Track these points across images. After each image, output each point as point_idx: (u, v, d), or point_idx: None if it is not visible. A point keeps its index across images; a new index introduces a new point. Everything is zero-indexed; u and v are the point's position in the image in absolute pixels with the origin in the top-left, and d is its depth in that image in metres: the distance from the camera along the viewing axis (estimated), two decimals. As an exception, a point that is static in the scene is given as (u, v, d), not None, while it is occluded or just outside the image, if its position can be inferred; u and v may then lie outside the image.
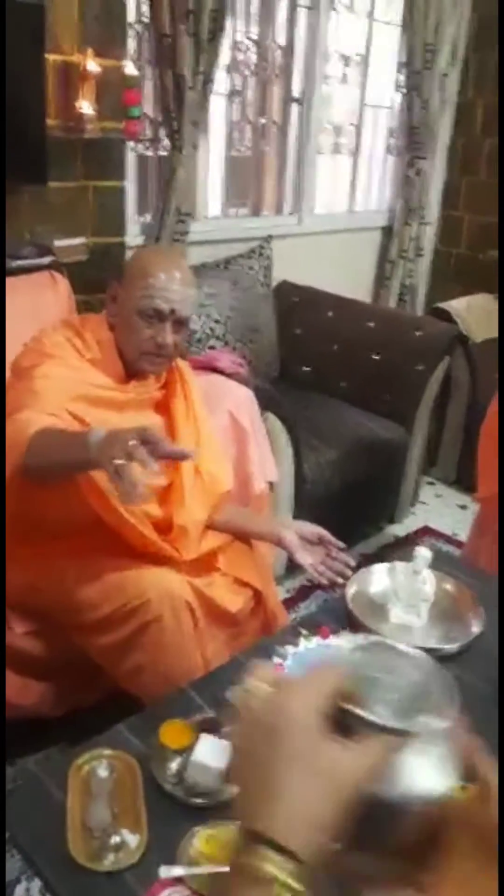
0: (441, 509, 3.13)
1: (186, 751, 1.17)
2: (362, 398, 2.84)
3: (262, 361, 2.89)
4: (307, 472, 2.38)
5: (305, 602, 2.43)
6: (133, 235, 2.71)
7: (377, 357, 2.85)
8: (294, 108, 3.27)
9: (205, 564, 1.65)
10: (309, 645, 1.40)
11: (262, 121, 3.22)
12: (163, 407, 1.66)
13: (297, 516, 2.39)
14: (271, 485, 2.19)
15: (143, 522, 1.52)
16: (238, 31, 3.01)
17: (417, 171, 3.58)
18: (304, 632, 1.42)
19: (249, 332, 2.81)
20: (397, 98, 3.60)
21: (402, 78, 3.48)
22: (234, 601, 1.66)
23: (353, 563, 1.62)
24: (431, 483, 3.32)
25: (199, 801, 1.13)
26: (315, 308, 3.05)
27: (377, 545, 2.79)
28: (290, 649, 1.37)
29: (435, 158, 3.77)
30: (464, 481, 3.23)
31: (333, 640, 1.41)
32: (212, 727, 1.21)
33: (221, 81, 3.02)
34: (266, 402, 2.19)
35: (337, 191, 3.65)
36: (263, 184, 3.41)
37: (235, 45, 3.00)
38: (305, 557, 1.60)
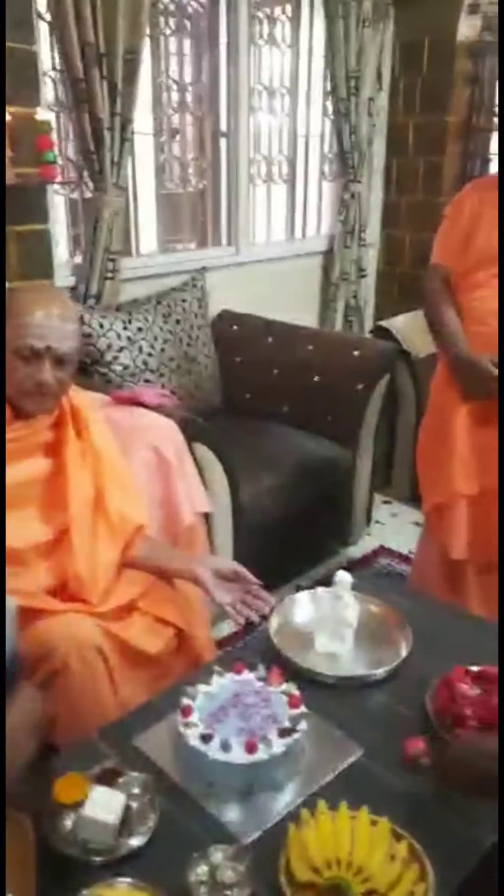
0: (397, 528, 3.09)
1: (81, 805, 1.11)
2: (305, 422, 2.81)
3: (201, 392, 2.86)
4: (244, 500, 2.33)
5: (252, 635, 2.36)
6: (63, 277, 2.70)
7: (317, 379, 2.83)
8: (223, 142, 3.29)
9: (124, 606, 1.59)
10: (222, 682, 1.34)
11: (190, 155, 3.24)
12: (53, 449, 1.61)
13: (237, 546, 2.34)
14: (207, 517, 2.14)
15: (36, 595, 1.49)
16: (160, 72, 3.03)
17: (353, 195, 3.61)
18: (217, 669, 1.37)
19: (186, 362, 2.78)
20: (327, 125, 3.64)
21: (330, 106, 3.52)
22: (154, 643, 1.60)
23: (271, 600, 1.57)
24: (388, 502, 3.28)
25: (95, 858, 1.07)
26: (254, 335, 3.03)
27: (331, 569, 2.74)
28: (201, 688, 1.32)
29: (371, 181, 3.81)
30: (418, 498, 3.16)
31: (246, 675, 1.36)
32: (109, 778, 1.15)
33: (146, 121, 3.04)
34: (197, 434, 2.15)
35: (275, 219, 3.66)
36: (198, 218, 3.42)
37: (157, 85, 3.02)
38: (221, 596, 1.55)
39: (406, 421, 3.17)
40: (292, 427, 2.80)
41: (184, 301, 2.83)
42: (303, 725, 1.24)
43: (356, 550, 2.91)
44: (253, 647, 1.59)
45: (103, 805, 1.08)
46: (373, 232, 3.89)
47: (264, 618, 1.56)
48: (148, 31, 2.66)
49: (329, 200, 3.80)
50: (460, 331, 1.99)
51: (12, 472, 1.49)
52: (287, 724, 1.24)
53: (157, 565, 1.66)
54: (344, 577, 1.52)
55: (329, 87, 3.46)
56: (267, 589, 2.52)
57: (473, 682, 1.34)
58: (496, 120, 3.59)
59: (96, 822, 1.06)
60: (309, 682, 1.41)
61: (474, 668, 1.38)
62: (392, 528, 3.08)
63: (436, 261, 2.11)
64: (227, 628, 2.42)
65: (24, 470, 1.53)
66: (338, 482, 2.74)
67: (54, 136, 2.50)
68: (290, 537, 2.54)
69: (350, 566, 2.78)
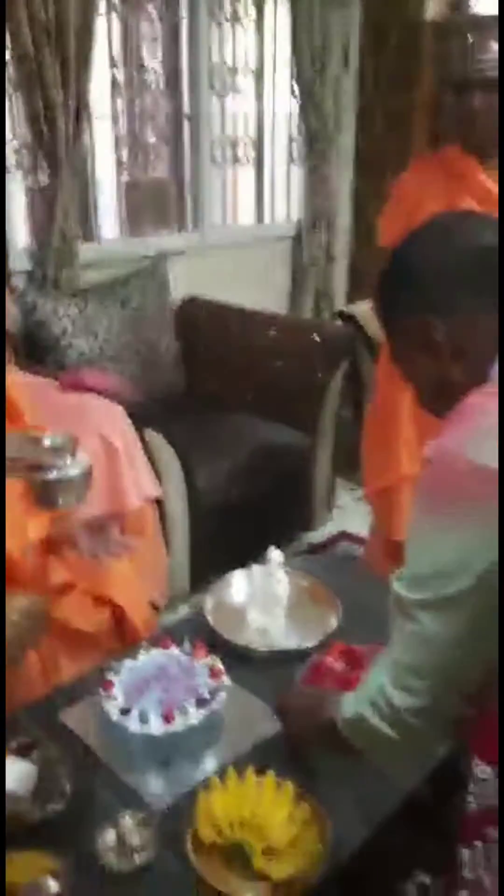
0: (360, 513, 3.09)
1: (-2, 777, 1.13)
2: (266, 409, 2.82)
3: (165, 380, 2.88)
4: (200, 485, 2.35)
5: (187, 615, 2.38)
6: (20, 262, 2.71)
7: (279, 364, 2.84)
8: (185, 124, 3.29)
9: (60, 586, 1.61)
10: (147, 657, 1.36)
11: (152, 139, 3.23)
12: None
13: (193, 531, 2.37)
14: (159, 502, 2.16)
15: None
16: (115, 50, 3.02)
17: (321, 179, 3.61)
18: (144, 644, 1.39)
19: (146, 349, 2.79)
20: (294, 106, 3.63)
21: (296, 86, 3.51)
22: (90, 622, 1.62)
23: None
24: (353, 488, 3.30)
25: (8, 826, 1.09)
26: (218, 322, 3.04)
27: (290, 554, 2.76)
28: (126, 663, 1.34)
29: (340, 164, 3.80)
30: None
31: (172, 650, 1.38)
32: (25, 749, 1.17)
33: (103, 101, 3.03)
34: (146, 419, 2.17)
35: (243, 203, 3.66)
36: (161, 201, 3.42)
37: (114, 64, 3.01)
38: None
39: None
40: (255, 415, 2.80)
41: (143, 287, 2.83)
42: (221, 696, 1.26)
43: (317, 535, 2.94)
44: (189, 625, 1.61)
45: (14, 776, 1.10)
46: (342, 215, 3.89)
47: None
48: (103, 7, 2.64)
49: (297, 183, 3.79)
50: None
51: None
52: (206, 694, 1.26)
53: None
54: (275, 554, 1.54)
55: (294, 67, 3.44)
56: (224, 572, 2.57)
57: (340, 657, 1.35)
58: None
59: (6, 792, 1.08)
60: (242, 658, 1.44)
61: (354, 647, 1.39)
62: (355, 514, 3.10)
63: (381, 242, 2.12)
64: (184, 610, 2.44)
65: None
66: (297, 468, 2.76)
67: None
68: (248, 522, 2.56)
69: (310, 550, 2.81)
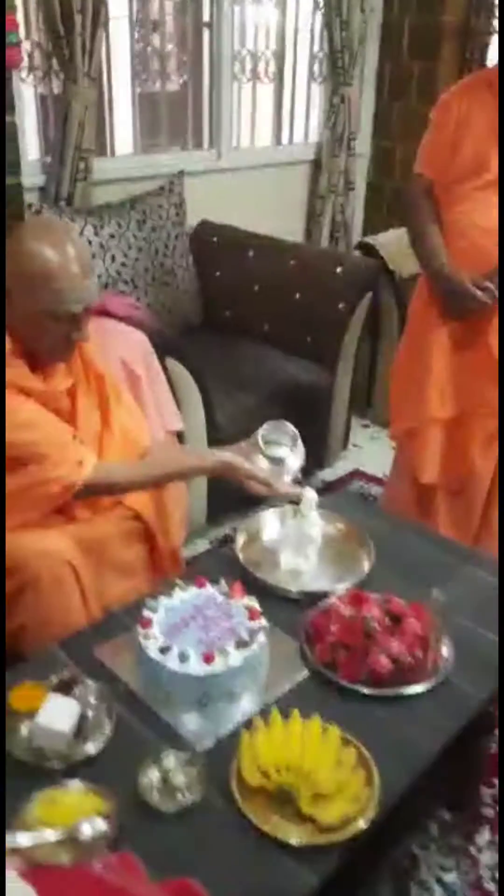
0: (374, 451, 3.07)
1: (36, 713, 1.11)
2: (285, 341, 2.74)
3: (180, 307, 2.78)
4: (220, 419, 2.29)
5: (217, 553, 2.37)
6: (32, 175, 2.57)
7: (298, 297, 2.75)
8: (205, 34, 3.08)
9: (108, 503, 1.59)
10: (184, 595, 1.34)
11: (169, 48, 3.03)
12: (69, 391, 1.55)
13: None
14: (179, 435, 2.11)
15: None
16: None
17: (343, 99, 3.42)
18: (179, 582, 1.36)
19: (163, 275, 2.68)
20: (318, 21, 3.41)
21: (321, -2, 3.29)
22: (128, 550, 1.61)
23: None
24: (367, 426, 3.26)
25: (49, 764, 1.08)
26: (235, 248, 2.92)
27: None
28: (162, 601, 1.31)
29: (362, 84, 3.61)
30: (397, 421, 3.16)
31: (208, 589, 1.35)
32: (65, 687, 1.15)
33: (121, 6, 2.83)
34: (168, 348, 2.09)
35: (260, 123, 3.48)
36: (177, 117, 3.24)
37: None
38: (257, 487, 1.52)
39: (388, 343, 3.11)
40: (272, 346, 2.73)
41: (160, 207, 2.70)
42: (261, 638, 1.25)
43: (331, 473, 2.91)
44: (219, 563, 1.59)
45: (58, 713, 1.08)
46: (363, 141, 3.71)
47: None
48: None
49: (317, 104, 3.60)
50: (441, 245, 1.90)
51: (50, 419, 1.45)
52: (245, 636, 1.24)
53: (167, 472, 1.61)
54: (310, 494, 1.50)
55: (321, -24, 3.22)
56: (242, 508, 2.55)
57: (350, 603, 1.33)
58: (496, 22, 3.38)
59: (51, 730, 1.07)
60: (273, 598, 1.42)
61: (374, 595, 1.36)
62: (370, 452, 3.07)
63: (419, 170, 2.00)
64: (203, 544, 2.43)
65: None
66: (315, 404, 2.70)
67: (20, 16, 2.32)
68: (263, 458, 2.51)
69: (325, 488, 2.78)
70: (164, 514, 1.69)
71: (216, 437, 2.30)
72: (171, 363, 2.11)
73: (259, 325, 2.84)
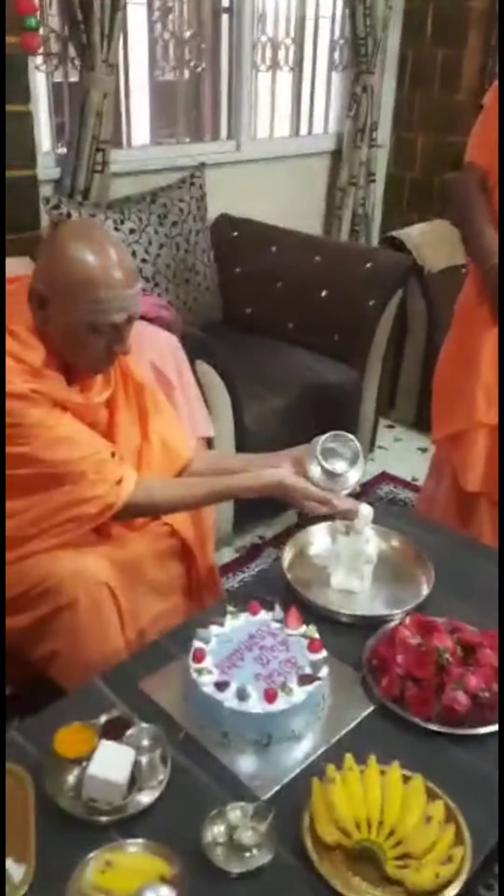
0: (400, 454, 2.97)
1: (86, 759, 1.01)
2: (310, 340, 2.63)
3: (201, 305, 2.67)
4: (249, 423, 2.19)
5: (256, 562, 2.28)
6: (46, 168, 2.45)
7: (325, 294, 2.64)
8: (224, 20, 2.96)
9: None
10: (236, 623, 1.23)
11: (189, 34, 2.91)
12: (108, 403, 1.45)
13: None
14: (209, 441, 2.00)
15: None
16: None
17: (364, 88, 3.30)
18: (230, 608, 1.26)
19: (184, 271, 2.57)
20: (339, 6, 3.29)
21: (344, -17, 3.17)
22: (164, 569, 1.50)
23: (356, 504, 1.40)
24: (391, 426, 3.16)
25: (100, 818, 0.98)
26: (256, 243, 2.81)
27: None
28: (213, 630, 1.21)
29: (384, 73, 3.49)
30: (424, 423, 3.04)
31: (262, 615, 1.25)
32: (116, 730, 1.05)
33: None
34: (198, 350, 1.99)
35: (279, 113, 3.35)
36: (196, 106, 3.12)
37: None
38: (315, 507, 1.37)
39: (415, 341, 3.01)
40: (297, 345, 2.62)
41: (181, 201, 2.59)
42: (324, 671, 1.14)
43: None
44: (263, 581, 1.49)
45: (111, 762, 0.98)
46: (383, 132, 3.60)
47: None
48: None
49: (338, 93, 3.48)
50: (495, 242, 1.79)
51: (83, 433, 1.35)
52: (308, 669, 1.14)
53: (214, 491, 1.46)
54: (365, 510, 1.40)
55: (343, -39, 3.10)
56: (269, 516, 2.44)
57: (417, 629, 1.23)
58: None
59: (105, 780, 0.96)
60: (325, 621, 1.32)
61: (439, 620, 1.26)
62: (395, 454, 2.97)
63: (470, 159, 1.88)
64: (229, 554, 2.33)
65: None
66: (344, 405, 2.59)
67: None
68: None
69: (351, 493, 2.67)
70: (202, 529, 1.59)
71: (244, 441, 2.20)
72: (201, 365, 2.00)
73: (282, 323, 2.73)
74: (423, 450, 2.99)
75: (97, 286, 1.25)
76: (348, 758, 1.02)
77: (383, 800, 0.96)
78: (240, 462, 1.54)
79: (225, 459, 1.62)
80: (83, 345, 1.30)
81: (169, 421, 1.55)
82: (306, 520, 1.47)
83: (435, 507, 2.12)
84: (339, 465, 1.38)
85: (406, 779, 1.00)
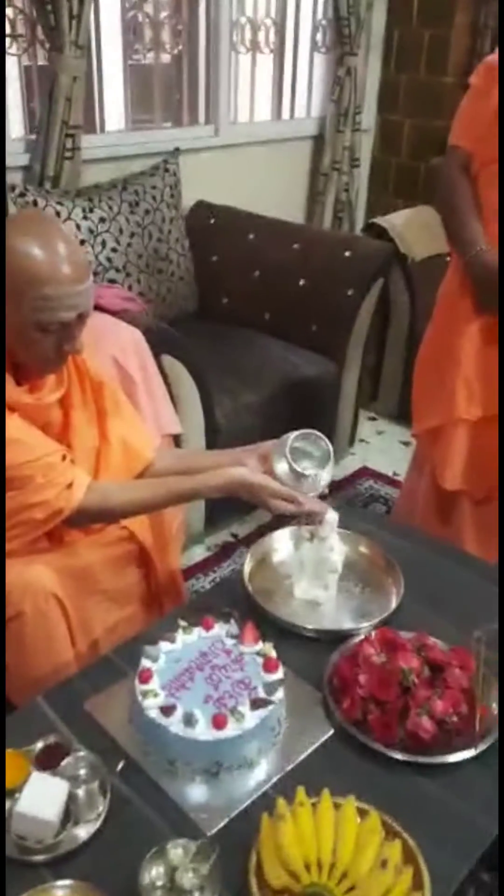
0: (382, 447, 2.90)
1: (18, 791, 0.94)
2: (288, 331, 2.55)
3: (175, 295, 2.58)
4: (220, 419, 2.11)
5: (227, 562, 2.20)
6: (16, 154, 2.36)
7: (303, 283, 2.55)
8: (201, 1, 2.85)
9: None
10: (188, 639, 1.16)
11: (164, 15, 2.80)
12: (61, 401, 1.36)
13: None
14: (176, 439, 1.92)
15: None
16: None
17: (348, 70, 3.20)
18: (182, 623, 1.18)
19: (157, 261, 2.48)
20: (321, -16, 3.19)
21: (325, -40, 3.06)
22: (120, 576, 1.43)
23: (325, 507, 1.32)
24: (373, 419, 3.08)
25: (31, 857, 0.91)
26: (234, 231, 2.72)
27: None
28: (163, 647, 1.13)
29: (368, 55, 3.39)
30: (406, 415, 2.94)
31: (216, 630, 1.18)
32: (52, 758, 0.98)
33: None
34: (164, 344, 1.90)
35: (259, 96, 3.25)
36: (172, 90, 3.01)
37: None
38: (280, 506, 1.28)
39: (397, 331, 2.92)
40: (274, 337, 2.54)
41: (154, 188, 2.49)
42: (279, 694, 1.07)
43: (338, 471, 2.72)
44: (224, 589, 1.42)
45: (42, 797, 0.91)
46: (367, 115, 3.49)
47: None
48: None
49: (321, 76, 3.38)
50: (480, 231, 1.70)
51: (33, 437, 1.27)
52: (262, 692, 1.06)
53: (173, 492, 1.36)
54: (330, 516, 1.32)
55: None
56: (244, 512, 2.37)
57: (382, 647, 1.16)
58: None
59: (34, 818, 0.89)
60: (284, 633, 1.25)
61: (406, 635, 1.19)
62: (377, 447, 2.89)
63: (454, 142, 1.78)
64: (200, 552, 2.25)
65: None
66: (321, 399, 2.51)
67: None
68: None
69: (332, 488, 2.60)
70: (162, 533, 1.51)
71: (214, 438, 2.12)
72: (167, 360, 1.92)
73: (259, 313, 2.64)
74: (406, 443, 2.91)
75: (44, 283, 1.16)
76: (300, 791, 0.94)
77: (336, 839, 0.89)
78: (206, 459, 1.46)
79: (189, 457, 1.53)
80: (31, 344, 1.22)
81: (129, 420, 1.47)
82: (281, 518, 1.39)
83: (415, 502, 2.04)
84: (306, 466, 1.30)
85: (362, 813, 0.92)
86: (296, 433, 1.31)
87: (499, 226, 1.68)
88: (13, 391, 1.26)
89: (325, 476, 1.32)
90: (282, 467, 1.29)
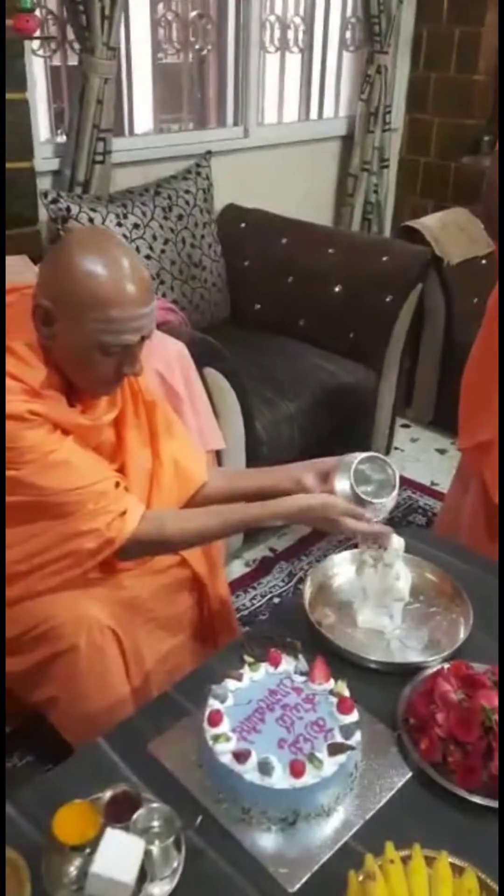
0: (418, 455, 2.83)
1: (89, 846, 0.89)
2: (324, 338, 2.49)
3: (208, 302, 2.52)
4: (261, 432, 2.05)
5: (267, 577, 2.15)
6: (44, 158, 2.31)
7: (339, 289, 2.49)
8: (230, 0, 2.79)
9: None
10: (255, 676, 1.11)
11: (193, 14, 2.74)
12: (115, 421, 1.32)
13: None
14: (218, 454, 1.87)
15: None
16: None
17: (378, 69, 3.13)
18: (249, 659, 1.13)
19: (190, 267, 2.43)
20: (351, -19, 3.12)
21: (355, -43, 3.00)
22: (172, 603, 1.38)
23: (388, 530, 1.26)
24: (406, 426, 3.02)
25: (106, 918, 0.86)
26: (266, 235, 2.66)
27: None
28: (230, 685, 1.08)
29: (398, 53, 3.32)
30: (441, 422, 2.92)
31: (283, 666, 1.12)
32: (123, 810, 0.92)
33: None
34: (206, 356, 1.85)
35: (288, 97, 3.19)
36: (201, 91, 2.96)
37: None
38: (353, 524, 1.21)
39: (433, 336, 2.85)
40: (309, 344, 2.49)
41: (186, 192, 2.44)
42: (357, 737, 1.02)
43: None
44: (281, 616, 1.36)
45: (118, 857, 0.85)
46: (397, 114, 3.43)
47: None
48: None
49: (349, 75, 3.31)
50: None
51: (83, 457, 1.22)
52: (338, 735, 1.01)
53: (235, 520, 1.30)
54: (396, 542, 1.26)
55: None
56: (280, 529, 2.31)
57: (459, 683, 1.10)
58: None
59: (110, 880, 0.84)
60: (348, 664, 1.19)
61: (479, 668, 1.13)
62: (412, 455, 2.83)
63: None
64: (239, 567, 2.20)
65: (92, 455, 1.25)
66: (359, 407, 2.46)
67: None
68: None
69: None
70: (212, 556, 1.46)
71: (256, 451, 2.07)
72: (210, 372, 1.86)
73: (293, 320, 2.59)
74: (442, 451, 2.85)
75: (109, 305, 1.11)
76: (389, 846, 0.89)
77: (432, 899, 0.84)
78: (262, 478, 1.38)
79: (243, 478, 1.46)
80: (90, 365, 1.17)
81: (181, 440, 1.41)
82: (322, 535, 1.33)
83: (460, 517, 1.98)
84: (368, 490, 1.24)
85: (456, 869, 0.87)
86: (361, 455, 1.25)
87: (499, 225, 1.62)
88: (67, 412, 1.21)
89: (390, 503, 1.26)
90: (343, 489, 1.24)
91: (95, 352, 1.14)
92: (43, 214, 2.23)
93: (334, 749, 0.98)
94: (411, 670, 1.18)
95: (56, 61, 2.44)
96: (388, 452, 2.75)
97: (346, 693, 1.07)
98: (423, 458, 2.82)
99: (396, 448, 2.84)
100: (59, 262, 1.14)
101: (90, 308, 1.10)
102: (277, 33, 2.98)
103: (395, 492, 1.26)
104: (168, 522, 1.24)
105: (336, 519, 1.20)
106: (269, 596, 2.07)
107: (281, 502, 1.23)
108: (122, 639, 1.25)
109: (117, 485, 1.21)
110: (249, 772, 0.96)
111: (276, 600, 2.03)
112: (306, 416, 2.22)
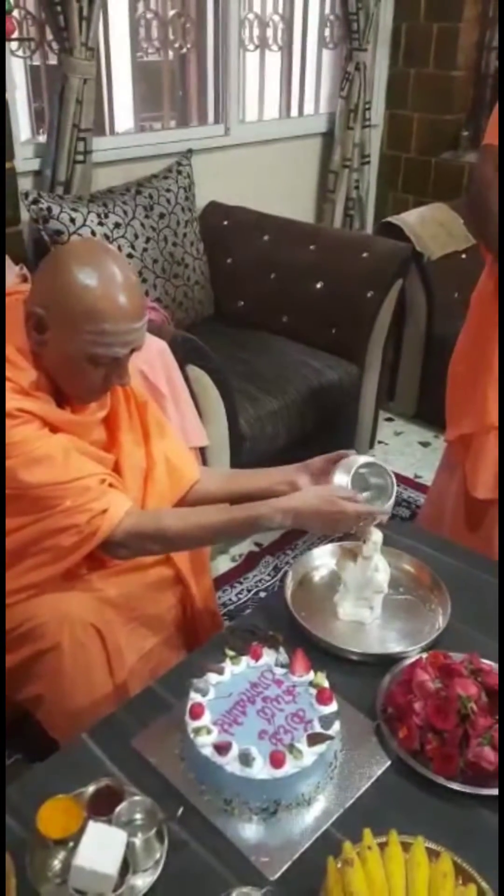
0: (401, 448, 2.86)
1: (73, 840, 0.90)
2: (306, 334, 2.51)
3: (191, 300, 2.53)
4: (245, 428, 2.07)
5: (253, 572, 2.17)
6: (25, 159, 2.31)
7: (321, 286, 2.51)
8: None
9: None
10: (236, 669, 1.12)
11: (172, 13, 2.74)
12: (106, 421, 1.33)
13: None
14: (202, 451, 1.88)
15: None
16: None
17: (357, 66, 3.14)
18: (230, 652, 1.14)
19: (173, 265, 2.44)
20: (329, -22, 3.13)
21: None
22: (156, 601, 1.39)
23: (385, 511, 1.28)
24: (390, 419, 3.04)
25: (89, 911, 0.87)
26: (248, 232, 2.67)
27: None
28: (212, 679, 1.09)
29: (377, 49, 3.33)
30: (425, 415, 2.95)
31: (264, 659, 1.14)
32: (106, 804, 0.94)
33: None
34: (188, 353, 1.86)
35: (268, 94, 3.19)
36: (182, 90, 2.96)
37: None
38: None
39: (415, 330, 2.88)
40: (291, 339, 2.50)
41: (168, 191, 2.45)
42: (336, 727, 1.03)
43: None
44: (264, 610, 1.37)
45: (100, 849, 0.87)
46: (377, 111, 3.44)
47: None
48: None
49: (329, 72, 3.32)
50: None
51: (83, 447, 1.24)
52: (318, 725, 1.03)
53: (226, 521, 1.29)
54: (375, 536, 1.28)
55: None
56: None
57: (437, 672, 1.12)
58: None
59: (92, 872, 0.85)
60: (329, 656, 1.21)
61: (456, 657, 1.15)
62: (396, 449, 2.85)
63: (488, 141, 1.73)
64: (225, 562, 2.22)
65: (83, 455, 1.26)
66: (343, 402, 2.47)
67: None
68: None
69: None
70: (198, 555, 1.47)
71: (239, 448, 2.08)
72: (192, 370, 1.88)
73: (276, 316, 2.60)
74: (426, 444, 2.88)
75: (102, 318, 1.13)
76: (367, 833, 0.91)
77: (408, 886, 0.85)
78: (258, 479, 1.39)
79: (239, 478, 1.46)
80: (79, 374, 1.19)
81: (172, 438, 1.43)
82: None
83: (443, 508, 2.00)
84: (366, 497, 1.27)
85: (432, 854, 0.89)
86: (362, 459, 1.27)
87: (499, 225, 1.64)
88: (55, 413, 1.22)
89: (389, 508, 1.28)
90: (339, 480, 1.26)
91: (85, 362, 1.16)
92: (24, 215, 2.23)
93: (314, 739, 1.00)
94: (390, 661, 1.20)
95: (36, 61, 2.44)
96: (371, 446, 2.78)
97: (326, 684, 1.08)
98: (407, 451, 2.84)
99: (380, 442, 2.86)
100: (55, 271, 1.16)
101: (84, 320, 1.12)
102: (257, 31, 2.99)
103: (392, 500, 1.27)
104: (166, 517, 1.26)
105: (342, 506, 1.20)
106: (256, 590, 2.09)
107: (283, 498, 1.24)
108: (105, 636, 1.25)
109: (103, 481, 1.22)
110: (230, 763, 0.98)
111: (262, 595, 2.05)
112: (290, 412, 2.24)
